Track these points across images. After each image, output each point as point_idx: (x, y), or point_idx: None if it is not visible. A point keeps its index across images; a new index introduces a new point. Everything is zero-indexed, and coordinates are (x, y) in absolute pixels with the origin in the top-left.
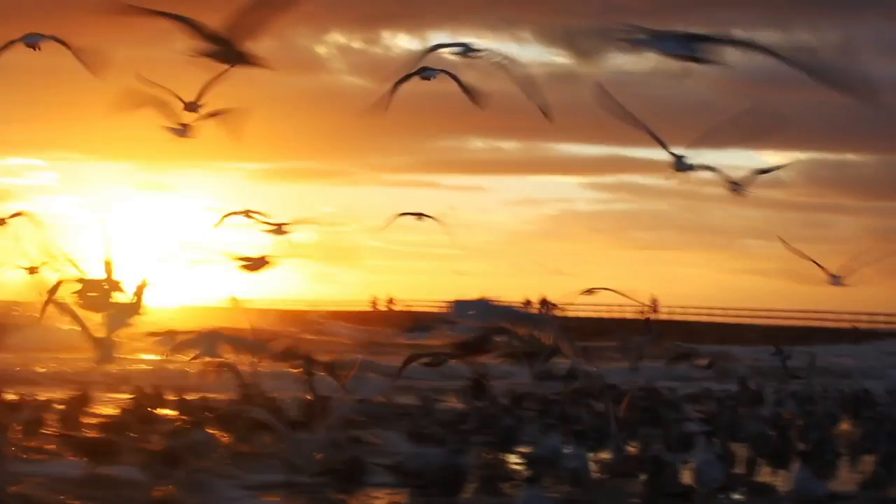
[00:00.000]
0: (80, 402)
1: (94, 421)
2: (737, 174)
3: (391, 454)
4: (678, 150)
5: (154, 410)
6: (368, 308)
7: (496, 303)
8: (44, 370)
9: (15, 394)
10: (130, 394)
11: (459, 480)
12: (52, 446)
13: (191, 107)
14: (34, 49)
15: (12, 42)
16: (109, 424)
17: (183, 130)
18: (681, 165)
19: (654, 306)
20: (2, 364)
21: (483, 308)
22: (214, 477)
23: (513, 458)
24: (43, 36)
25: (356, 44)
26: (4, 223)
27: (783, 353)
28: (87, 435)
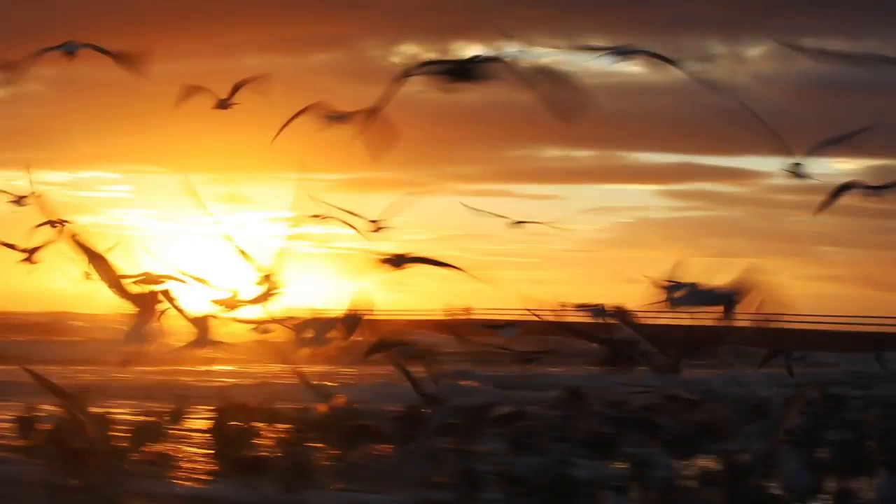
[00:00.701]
0: (176, 415)
1: (202, 435)
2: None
3: (498, 464)
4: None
5: (249, 423)
6: (444, 317)
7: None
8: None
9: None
10: (215, 406)
11: (569, 490)
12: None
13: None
14: (72, 57)
15: (49, 49)
16: (231, 438)
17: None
18: (798, 172)
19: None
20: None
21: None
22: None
23: (610, 467)
24: (81, 44)
25: (428, 55)
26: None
27: (882, 358)
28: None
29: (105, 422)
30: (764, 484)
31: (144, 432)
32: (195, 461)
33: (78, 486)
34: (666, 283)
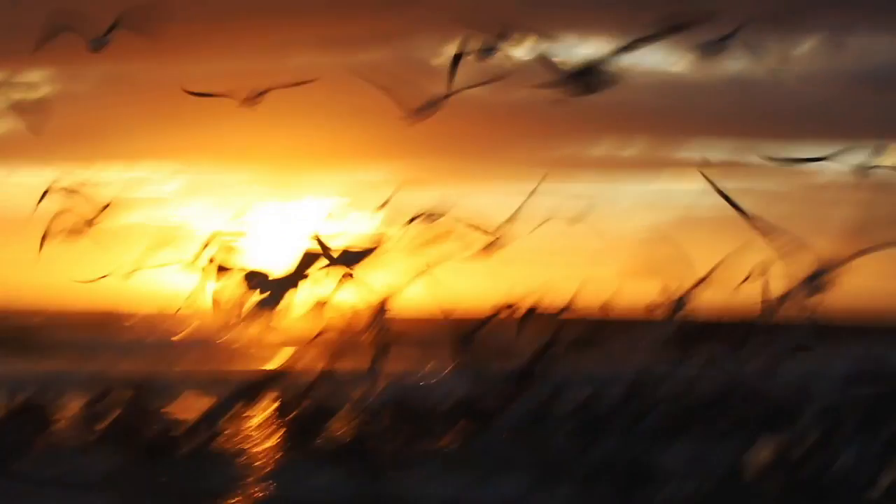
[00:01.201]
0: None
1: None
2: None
3: (575, 452)
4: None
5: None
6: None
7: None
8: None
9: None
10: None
11: (646, 477)
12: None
13: None
14: (100, 51)
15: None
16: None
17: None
18: (865, 167)
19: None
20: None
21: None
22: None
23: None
24: (109, 39)
25: (476, 53)
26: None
27: None
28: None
29: (171, 413)
30: (827, 470)
31: (214, 421)
32: (268, 450)
33: (150, 477)
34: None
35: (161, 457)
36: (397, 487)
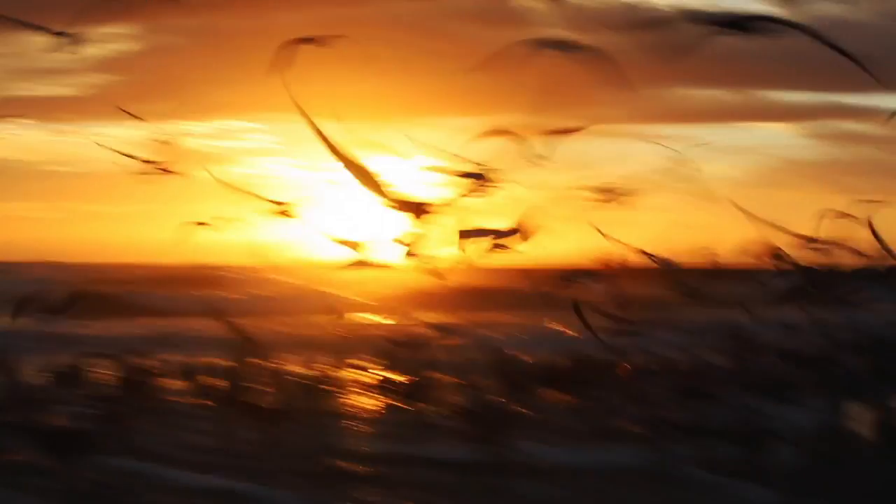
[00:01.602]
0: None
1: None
2: None
3: (684, 414)
4: None
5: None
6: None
7: None
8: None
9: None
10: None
11: (762, 439)
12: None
13: None
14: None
15: None
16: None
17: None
18: None
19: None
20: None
21: None
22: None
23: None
24: None
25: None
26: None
27: None
28: None
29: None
30: None
31: (315, 387)
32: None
33: (260, 442)
34: None
35: (280, 421)
36: (512, 452)
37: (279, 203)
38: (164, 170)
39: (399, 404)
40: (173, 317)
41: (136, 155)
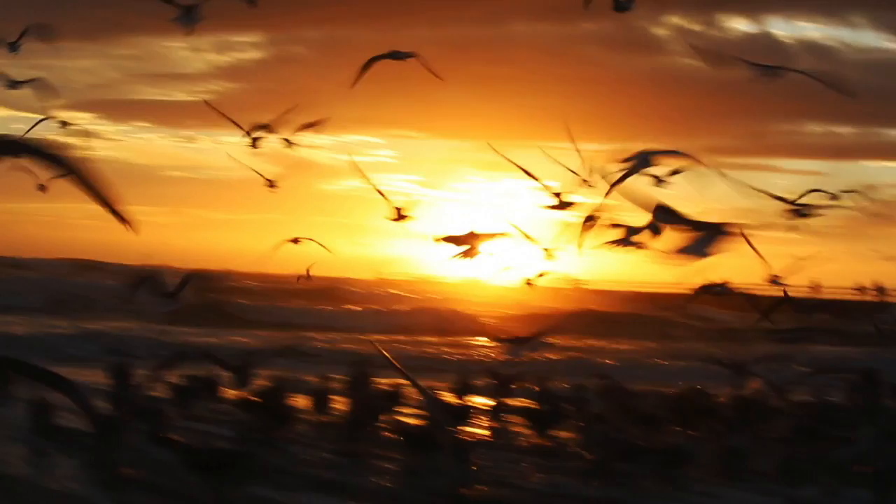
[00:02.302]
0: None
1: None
2: None
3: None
4: None
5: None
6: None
7: None
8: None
9: None
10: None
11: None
12: None
13: None
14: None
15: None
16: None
17: None
18: None
19: None
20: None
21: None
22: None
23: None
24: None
25: (694, 26)
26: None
27: None
28: None
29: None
30: None
31: (461, 412)
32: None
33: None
34: None
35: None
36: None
37: (402, 213)
38: (283, 180)
39: (533, 433)
40: (296, 330)
41: (260, 165)
